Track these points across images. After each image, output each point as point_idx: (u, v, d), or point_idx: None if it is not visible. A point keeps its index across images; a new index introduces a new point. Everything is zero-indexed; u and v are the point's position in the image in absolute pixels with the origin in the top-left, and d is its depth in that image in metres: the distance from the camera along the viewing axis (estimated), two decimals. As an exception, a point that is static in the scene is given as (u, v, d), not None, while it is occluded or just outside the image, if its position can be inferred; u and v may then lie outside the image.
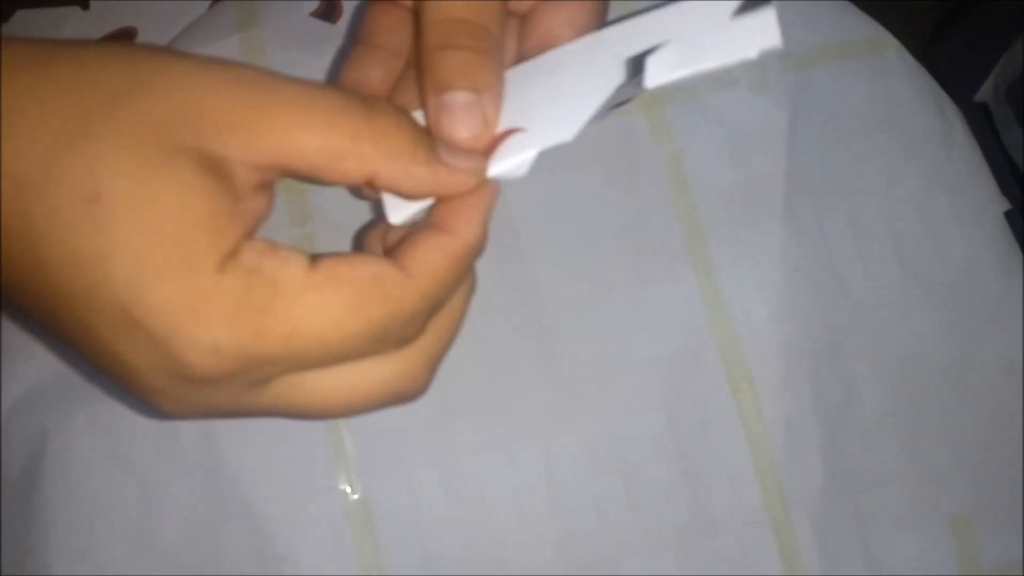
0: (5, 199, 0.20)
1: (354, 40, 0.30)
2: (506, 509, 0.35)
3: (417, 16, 0.26)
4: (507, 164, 0.25)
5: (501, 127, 0.26)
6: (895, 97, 0.39)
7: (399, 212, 0.26)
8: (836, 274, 0.37)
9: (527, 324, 0.36)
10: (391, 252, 0.24)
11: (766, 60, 0.39)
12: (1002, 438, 0.37)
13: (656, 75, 0.23)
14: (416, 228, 0.24)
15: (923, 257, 0.38)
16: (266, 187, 0.23)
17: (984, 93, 0.36)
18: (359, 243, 0.27)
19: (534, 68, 0.27)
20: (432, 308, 0.24)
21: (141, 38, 0.40)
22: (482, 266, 0.36)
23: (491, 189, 0.25)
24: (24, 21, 0.40)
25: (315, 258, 0.22)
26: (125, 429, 0.34)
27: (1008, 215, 0.37)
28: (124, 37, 0.40)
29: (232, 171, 0.21)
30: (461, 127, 0.25)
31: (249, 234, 0.22)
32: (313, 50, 0.38)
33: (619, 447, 0.36)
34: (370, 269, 0.22)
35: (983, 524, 0.37)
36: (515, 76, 0.27)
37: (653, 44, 0.24)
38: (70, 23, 0.40)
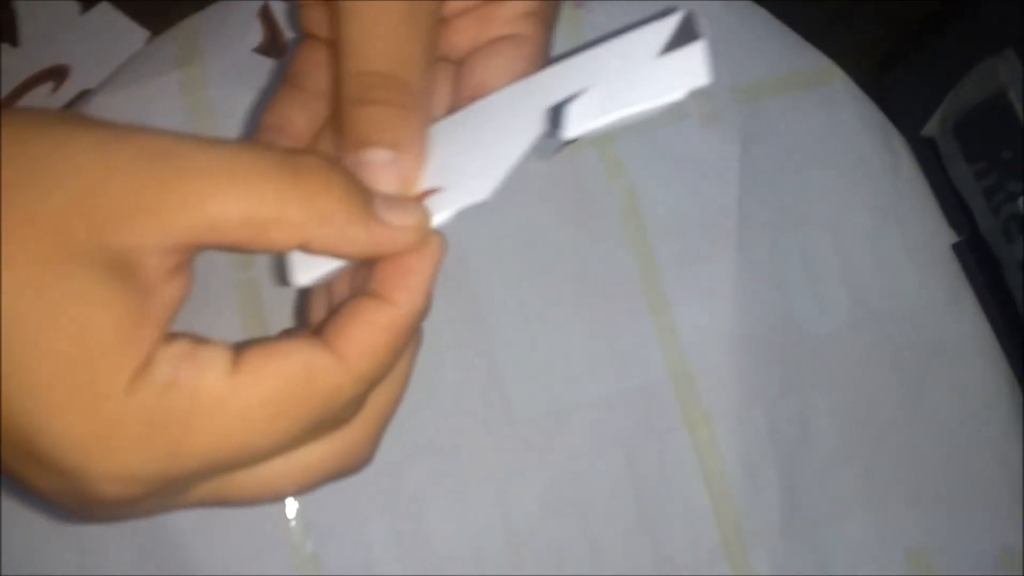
0: None
1: (282, 80, 0.28)
2: (463, 559, 0.34)
3: (336, 61, 0.24)
4: None
5: (423, 185, 0.24)
6: (843, 129, 0.39)
7: (305, 273, 0.24)
8: (788, 307, 0.37)
9: (478, 366, 0.35)
10: (325, 327, 0.22)
11: (716, 92, 0.39)
12: (956, 469, 0.37)
13: (576, 124, 0.22)
14: (354, 298, 0.23)
15: (874, 289, 0.38)
16: (182, 267, 0.21)
17: (931, 128, 0.37)
18: (301, 313, 0.26)
19: (459, 120, 0.25)
20: (371, 388, 0.22)
21: (75, 75, 0.38)
22: (433, 309, 0.35)
23: (436, 249, 0.23)
24: (-51, 58, 0.39)
25: (240, 352, 0.20)
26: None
27: (956, 247, 0.38)
28: (56, 75, 0.38)
29: (140, 263, 0.19)
30: (379, 187, 0.23)
31: (164, 332, 0.20)
32: (256, 86, 0.37)
33: (577, 490, 0.35)
34: (299, 361, 0.21)
35: (940, 556, 0.37)
36: (440, 129, 0.25)
37: (577, 89, 0.22)
38: (0, 61, 0.38)
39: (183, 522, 0.33)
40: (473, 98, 0.26)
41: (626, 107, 0.22)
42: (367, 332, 0.21)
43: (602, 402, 0.36)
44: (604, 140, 0.38)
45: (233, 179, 0.20)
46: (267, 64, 0.38)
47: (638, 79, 0.22)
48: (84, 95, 0.38)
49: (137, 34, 0.39)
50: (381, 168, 0.23)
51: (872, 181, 0.39)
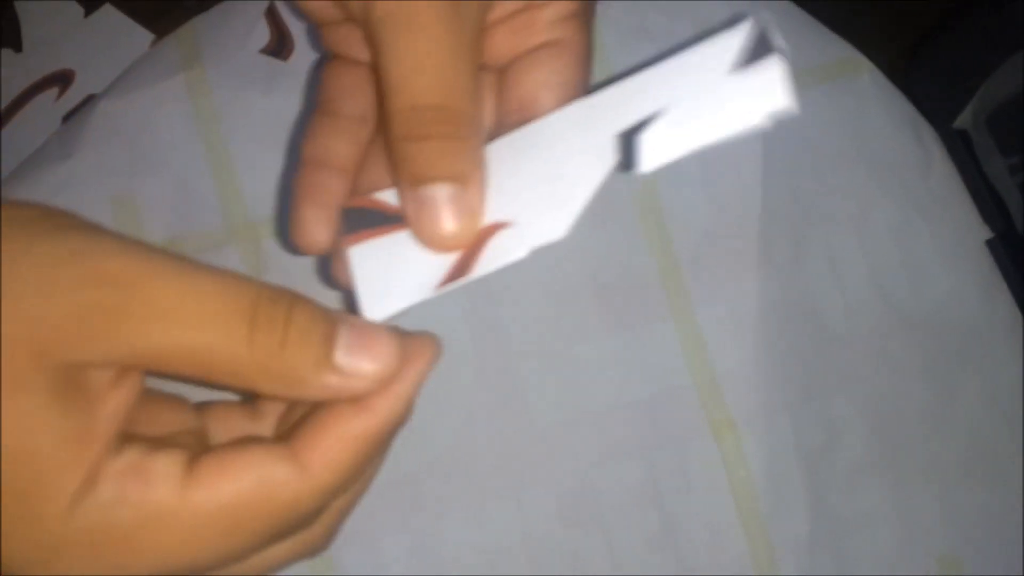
0: None
1: (314, 107, 0.27)
2: (480, 569, 0.33)
3: (379, 96, 0.23)
4: (495, 266, 0.23)
5: (488, 218, 0.23)
6: (871, 122, 0.37)
7: (380, 308, 0.23)
8: (814, 309, 0.36)
9: (496, 374, 0.34)
10: (295, 433, 0.21)
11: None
12: (987, 474, 0.36)
13: (651, 158, 0.20)
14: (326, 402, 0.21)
15: (902, 289, 0.37)
16: (129, 376, 0.20)
17: (963, 120, 0.35)
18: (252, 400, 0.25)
19: (517, 143, 0.23)
20: (334, 498, 0.21)
21: (79, 80, 0.38)
22: (445, 314, 0.35)
23: (428, 358, 0.22)
24: (-47, 65, 0.38)
25: (195, 463, 0.20)
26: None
27: (990, 244, 0.36)
28: (60, 80, 0.38)
29: (86, 375, 0.19)
30: (446, 222, 0.22)
31: (111, 444, 0.19)
32: (262, 89, 0.36)
33: (597, 500, 0.34)
34: (257, 475, 0.20)
35: (971, 563, 0.36)
36: (497, 152, 0.24)
37: (647, 114, 0.21)
38: (2, 67, 0.38)
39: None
40: (521, 109, 0.25)
41: (701, 138, 0.20)
42: (337, 444, 0.20)
43: (623, 409, 0.35)
44: (622, 139, 0.36)
45: (189, 320, 0.19)
46: (272, 66, 0.37)
47: (711, 103, 0.20)
48: (89, 100, 0.37)
49: (141, 36, 0.38)
50: (446, 202, 0.22)
51: (901, 176, 0.37)
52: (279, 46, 0.37)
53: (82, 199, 0.34)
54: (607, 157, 0.22)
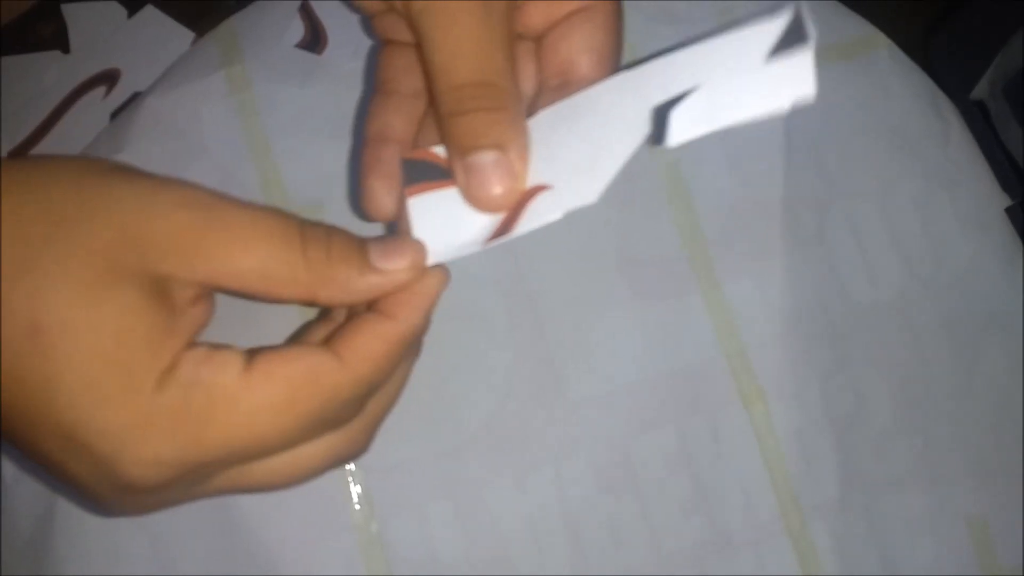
0: None
1: (374, 88, 0.30)
2: (521, 538, 0.34)
3: (427, 80, 0.26)
4: (535, 225, 0.25)
5: (531, 181, 0.25)
6: (890, 97, 0.38)
7: (433, 255, 0.25)
8: (839, 279, 0.37)
9: (530, 350, 0.36)
10: (333, 337, 0.24)
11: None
12: (1014, 437, 0.37)
13: (680, 132, 0.22)
14: (357, 313, 0.25)
15: (925, 258, 0.37)
16: (205, 297, 0.24)
17: (980, 90, 0.36)
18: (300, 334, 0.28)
19: (560, 113, 0.25)
20: (370, 391, 0.25)
21: (124, 79, 0.39)
22: (483, 292, 0.36)
23: (438, 278, 0.25)
24: (5, 69, 0.40)
25: (252, 355, 0.23)
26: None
27: (1010, 211, 0.37)
28: (107, 80, 0.39)
29: (171, 288, 0.22)
30: (492, 185, 0.25)
31: (188, 343, 0.23)
32: (299, 82, 0.38)
33: (632, 468, 0.35)
34: (305, 363, 0.23)
35: (999, 525, 0.37)
36: (540, 122, 0.26)
37: (681, 90, 0.22)
38: (52, 69, 0.39)
39: (252, 507, 0.34)
40: (561, 74, 0.27)
41: (729, 118, 0.22)
42: (369, 341, 0.24)
43: (654, 380, 0.36)
44: (647, 119, 0.37)
45: (257, 238, 0.23)
46: (308, 60, 0.38)
47: (742, 86, 0.21)
48: (136, 97, 0.38)
49: (183, 35, 0.40)
50: (491, 167, 0.25)
51: (921, 148, 0.38)
52: (313, 41, 0.38)
53: (133, 190, 0.36)
54: (640, 129, 0.24)
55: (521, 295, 0.36)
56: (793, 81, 0.21)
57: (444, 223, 0.25)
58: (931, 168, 0.38)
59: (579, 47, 0.27)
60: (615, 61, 0.27)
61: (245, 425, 0.22)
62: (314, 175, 0.37)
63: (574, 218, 0.36)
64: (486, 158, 0.24)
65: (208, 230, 0.22)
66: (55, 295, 0.21)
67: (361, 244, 0.25)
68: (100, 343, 0.21)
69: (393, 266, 0.24)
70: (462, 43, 0.25)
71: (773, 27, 0.22)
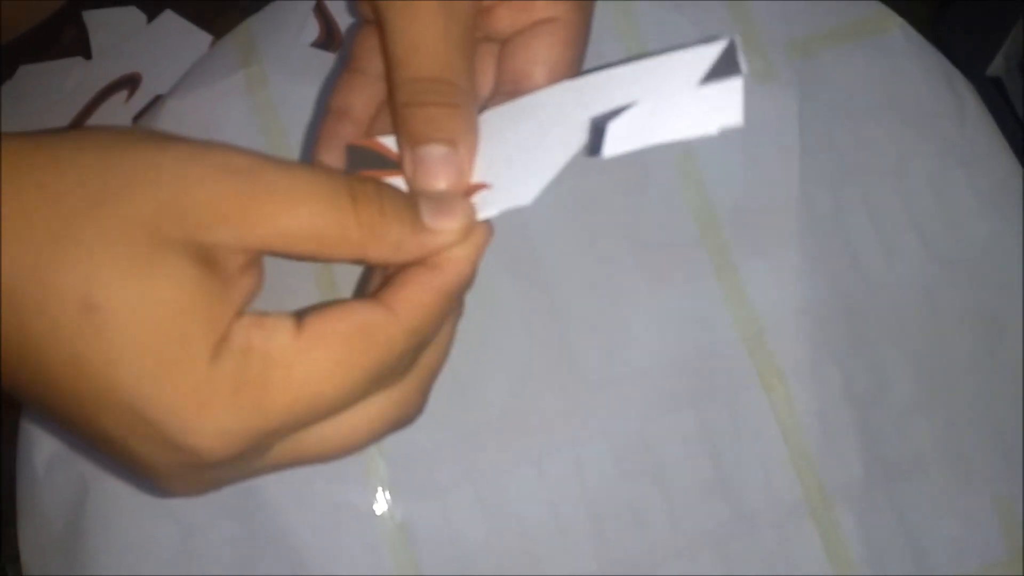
0: (3, 312, 0.21)
1: (344, 64, 0.30)
2: (542, 522, 0.35)
3: (387, 70, 0.26)
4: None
5: (475, 177, 0.26)
6: (904, 76, 0.38)
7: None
8: (856, 259, 0.37)
9: (548, 335, 0.36)
10: (381, 290, 0.24)
11: (770, 49, 0.38)
12: (1040, 414, 0.37)
13: (613, 145, 0.23)
14: (405, 266, 0.25)
15: (943, 235, 0.37)
16: (255, 264, 0.23)
17: (996, 67, 0.36)
18: (361, 286, 0.28)
19: (506, 114, 0.26)
20: (422, 344, 0.24)
21: (145, 83, 0.40)
22: (499, 280, 0.36)
23: (484, 229, 0.25)
24: (28, 75, 0.41)
25: (301, 317, 0.23)
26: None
27: (1028, 187, 0.37)
28: (128, 84, 0.40)
29: (220, 256, 0.22)
30: (438, 179, 0.25)
31: (240, 312, 0.22)
32: (315, 81, 0.38)
33: (650, 451, 0.36)
34: (356, 319, 0.23)
35: (1027, 502, 0.36)
36: (489, 121, 0.26)
37: (620, 104, 0.23)
38: (74, 74, 0.40)
39: (278, 496, 0.34)
40: (515, 82, 0.27)
41: (659, 136, 0.23)
42: (418, 292, 0.24)
43: (672, 363, 0.36)
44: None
45: (304, 199, 0.22)
46: (324, 59, 0.39)
47: (676, 107, 0.23)
48: (157, 100, 0.39)
49: (201, 38, 0.41)
50: (438, 161, 0.25)
51: (937, 127, 0.38)
52: (328, 39, 0.39)
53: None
54: (578, 138, 0.25)
55: (536, 281, 0.36)
56: (722, 108, 0.22)
57: None
58: (947, 146, 0.38)
59: (536, 58, 0.27)
60: (570, 76, 0.28)
61: (304, 387, 0.22)
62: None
63: (587, 204, 0.37)
64: (436, 152, 0.25)
65: (253, 196, 0.22)
66: (104, 271, 0.20)
67: (413, 202, 0.24)
68: (155, 317, 0.21)
69: (446, 225, 0.24)
70: (422, 38, 0.25)
71: (709, 52, 0.23)
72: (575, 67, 0.28)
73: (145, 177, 0.21)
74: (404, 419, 0.26)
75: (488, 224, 0.25)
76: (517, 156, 0.25)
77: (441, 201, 0.25)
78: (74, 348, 0.21)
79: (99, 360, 0.21)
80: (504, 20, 0.28)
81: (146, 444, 0.22)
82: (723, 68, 0.23)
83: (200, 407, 0.21)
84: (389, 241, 0.23)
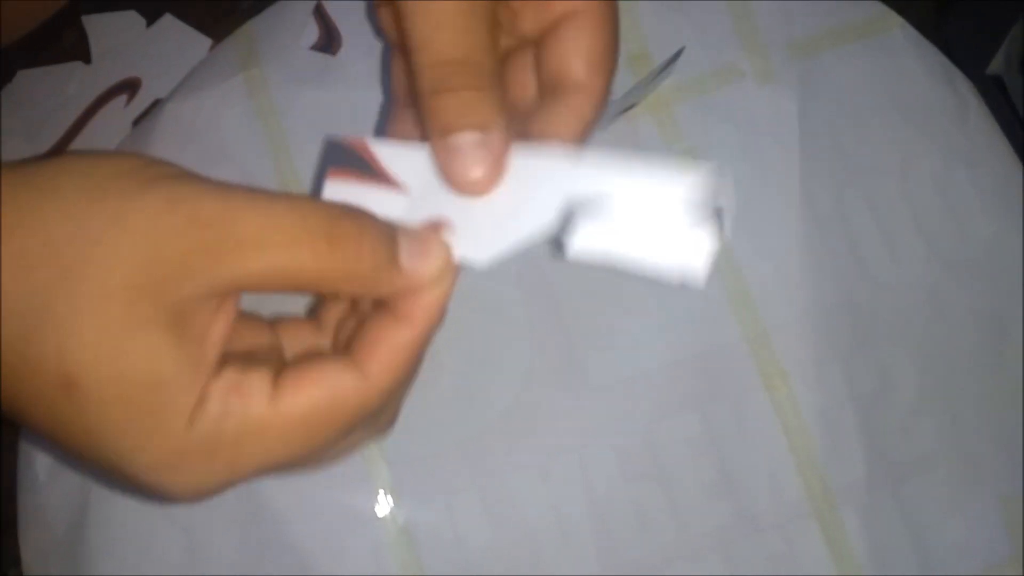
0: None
1: (391, 98, 0.30)
2: (547, 525, 0.35)
3: (407, 58, 0.25)
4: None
5: (443, 211, 0.25)
6: (905, 76, 0.38)
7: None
8: (859, 259, 0.37)
9: (551, 338, 0.36)
10: (353, 346, 0.24)
11: (771, 50, 0.38)
12: (1044, 412, 0.37)
13: (576, 250, 0.23)
14: (373, 314, 0.25)
15: (946, 234, 0.37)
16: (229, 301, 0.23)
17: (996, 65, 0.36)
18: (315, 315, 0.28)
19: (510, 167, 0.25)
20: (394, 395, 0.25)
21: (145, 87, 0.40)
22: (500, 283, 0.36)
23: (455, 269, 0.25)
24: (27, 80, 0.41)
25: (279, 377, 0.23)
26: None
27: (1031, 185, 0.37)
28: (128, 88, 0.40)
29: (193, 311, 0.22)
30: (473, 167, 0.24)
31: (215, 368, 0.23)
32: (315, 84, 0.38)
33: (654, 453, 0.35)
34: (328, 384, 0.23)
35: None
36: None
37: (598, 198, 0.23)
38: (73, 79, 0.40)
39: (283, 500, 0.34)
40: (556, 80, 0.27)
41: (621, 259, 0.23)
42: (390, 352, 0.24)
43: (675, 365, 0.36)
44: (660, 105, 0.38)
45: (277, 246, 0.22)
46: (323, 61, 0.39)
47: (647, 235, 0.23)
48: (156, 104, 0.39)
49: (201, 42, 0.41)
50: (472, 148, 0.24)
51: (938, 126, 0.38)
52: (328, 42, 0.39)
53: (156, 194, 0.36)
54: (547, 219, 0.24)
55: (539, 284, 0.36)
56: (687, 266, 0.22)
57: None
58: (950, 145, 0.38)
59: (569, 52, 0.26)
60: (609, 62, 0.27)
61: (277, 449, 0.23)
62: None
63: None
64: (467, 139, 0.24)
65: (222, 248, 0.22)
66: (79, 347, 0.21)
67: (392, 238, 0.24)
68: (131, 392, 0.22)
69: (423, 268, 0.24)
70: (444, 17, 0.24)
71: (698, 186, 0.22)
72: (611, 53, 0.27)
73: (115, 241, 0.21)
74: (373, 439, 0.27)
75: (456, 268, 0.25)
76: (489, 211, 0.24)
77: (420, 242, 0.24)
78: (56, 417, 0.22)
79: (79, 430, 0.22)
80: (528, 21, 0.27)
81: (130, 484, 0.23)
82: (703, 214, 0.22)
83: (175, 469, 0.23)
84: (363, 280, 0.23)
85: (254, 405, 0.23)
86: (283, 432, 0.23)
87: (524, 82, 0.28)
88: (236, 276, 0.22)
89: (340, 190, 0.26)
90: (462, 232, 0.25)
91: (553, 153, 0.24)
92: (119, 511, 0.34)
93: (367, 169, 0.26)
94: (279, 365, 0.24)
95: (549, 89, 0.27)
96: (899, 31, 0.39)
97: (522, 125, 0.26)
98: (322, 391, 0.23)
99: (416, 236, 0.24)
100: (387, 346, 0.24)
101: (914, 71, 0.38)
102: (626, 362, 0.36)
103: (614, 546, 0.35)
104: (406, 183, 0.25)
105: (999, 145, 0.38)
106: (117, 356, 0.21)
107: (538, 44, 0.27)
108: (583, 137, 0.27)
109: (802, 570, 0.35)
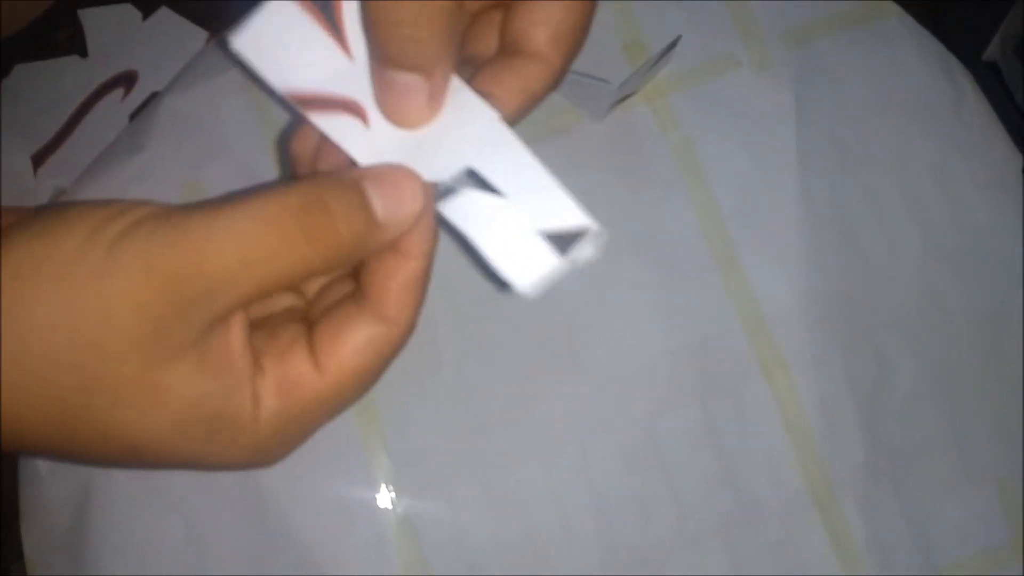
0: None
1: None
2: (549, 517, 0.35)
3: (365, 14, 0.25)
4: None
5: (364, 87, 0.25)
6: (901, 64, 0.38)
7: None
8: (857, 248, 0.37)
9: (550, 330, 0.36)
10: (364, 288, 0.26)
11: (767, 39, 0.38)
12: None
13: (448, 210, 0.24)
14: (372, 259, 0.26)
15: (944, 224, 0.37)
16: (238, 311, 0.24)
17: (992, 51, 0.36)
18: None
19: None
20: (416, 322, 0.27)
21: (142, 80, 0.40)
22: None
23: (430, 201, 0.25)
24: (24, 74, 0.41)
25: (313, 345, 0.26)
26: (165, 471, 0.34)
27: (1027, 172, 0.37)
28: (125, 82, 0.40)
29: (207, 342, 0.24)
30: (409, 108, 0.24)
31: (254, 368, 0.25)
32: (313, 75, 0.38)
33: (655, 443, 0.36)
34: (363, 339, 0.25)
35: (1030, 486, 0.36)
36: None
37: (489, 171, 0.24)
38: (70, 73, 0.40)
39: (284, 490, 0.34)
40: (515, 41, 0.27)
41: (477, 239, 0.24)
42: (404, 293, 0.26)
43: (675, 355, 0.36)
44: (656, 95, 0.38)
45: (257, 261, 0.23)
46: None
47: (506, 226, 0.24)
48: (153, 97, 0.39)
49: (197, 35, 0.41)
50: (411, 91, 0.24)
51: (935, 114, 0.38)
52: (325, 34, 0.39)
53: (155, 187, 0.36)
54: (450, 170, 0.25)
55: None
56: (533, 265, 0.24)
57: (287, 56, 0.25)
58: (946, 134, 0.38)
59: (537, 19, 0.27)
60: (573, 42, 0.27)
61: (337, 405, 0.26)
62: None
63: (586, 197, 0.37)
64: (409, 80, 0.24)
65: (210, 291, 0.23)
66: (135, 428, 0.24)
67: (362, 201, 0.24)
68: (194, 432, 0.24)
69: (402, 213, 0.24)
70: None
71: (574, 216, 0.25)
72: (578, 33, 0.27)
73: (104, 322, 0.22)
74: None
75: (427, 186, 0.25)
76: (424, 139, 0.25)
77: (391, 189, 0.24)
78: (131, 465, 0.25)
79: (154, 466, 0.26)
80: None
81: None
82: (567, 239, 0.24)
83: (259, 457, 0.26)
84: (351, 251, 0.24)
85: (305, 388, 0.25)
86: (337, 394, 0.25)
87: (488, 40, 0.28)
88: (230, 303, 0.23)
89: (290, 11, 0.25)
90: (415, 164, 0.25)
91: (488, 112, 0.25)
92: (121, 505, 0.34)
93: (329, 15, 0.25)
94: (302, 323, 0.26)
95: (507, 49, 0.27)
96: (895, 19, 0.39)
97: (470, 78, 0.26)
98: (360, 348, 0.25)
99: (382, 179, 0.24)
100: (400, 288, 0.25)
101: (910, 60, 0.38)
102: (626, 353, 0.36)
103: (616, 536, 0.35)
104: (355, 51, 0.25)
105: (996, 134, 0.38)
106: (175, 428, 0.24)
107: (508, 7, 0.27)
108: (522, 109, 0.27)
109: (803, 558, 0.35)
